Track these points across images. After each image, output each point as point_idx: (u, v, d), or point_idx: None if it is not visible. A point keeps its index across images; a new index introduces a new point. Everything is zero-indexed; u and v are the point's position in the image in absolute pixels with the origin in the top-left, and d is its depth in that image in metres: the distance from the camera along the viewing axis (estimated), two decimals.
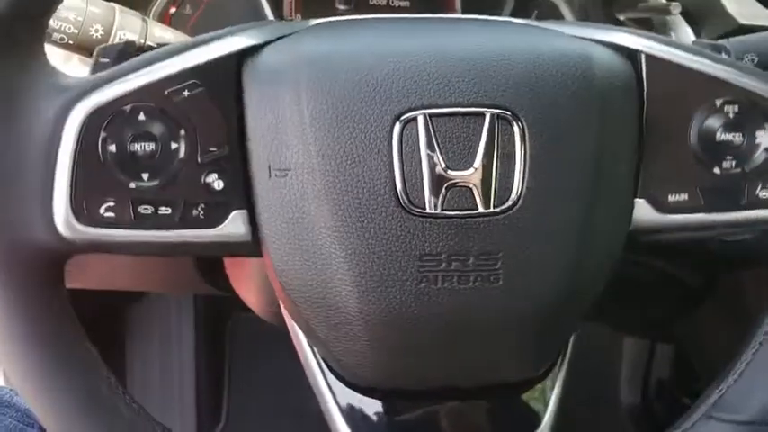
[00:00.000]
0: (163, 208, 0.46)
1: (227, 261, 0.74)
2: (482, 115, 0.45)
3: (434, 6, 0.96)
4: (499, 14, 0.91)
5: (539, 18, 0.96)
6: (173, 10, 0.90)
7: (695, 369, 1.04)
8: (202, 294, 1.34)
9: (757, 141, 0.50)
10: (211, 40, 0.48)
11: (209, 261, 0.79)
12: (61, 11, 0.58)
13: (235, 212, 0.47)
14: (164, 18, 0.89)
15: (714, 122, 0.50)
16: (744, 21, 0.74)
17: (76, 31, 0.59)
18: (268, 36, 0.49)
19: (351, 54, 0.47)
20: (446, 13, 0.96)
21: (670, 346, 1.11)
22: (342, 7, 0.96)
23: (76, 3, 0.59)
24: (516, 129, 0.46)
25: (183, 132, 0.46)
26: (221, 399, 1.40)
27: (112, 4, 0.62)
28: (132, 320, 1.38)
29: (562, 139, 0.46)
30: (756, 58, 0.62)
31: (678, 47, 0.51)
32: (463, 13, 0.96)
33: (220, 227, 0.47)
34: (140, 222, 0.46)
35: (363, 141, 0.45)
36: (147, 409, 0.51)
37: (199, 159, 0.46)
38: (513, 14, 0.91)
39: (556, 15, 0.95)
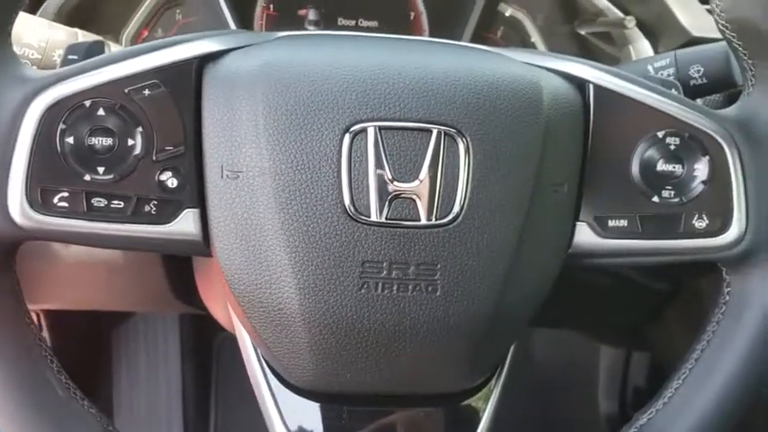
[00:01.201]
0: (116, 202, 0.47)
1: (197, 276, 0.75)
2: (429, 131, 0.47)
3: (402, 25, 0.99)
4: (463, 30, 0.93)
5: (504, 35, 1.00)
6: (145, 33, 0.92)
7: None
8: (188, 313, 1.35)
9: (695, 173, 0.52)
10: (176, 43, 0.50)
11: (181, 278, 0.80)
12: (24, 37, 0.60)
13: (186, 210, 0.49)
14: (135, 42, 0.91)
15: (655, 153, 0.52)
16: (696, 33, 0.76)
17: (40, 57, 0.61)
18: (232, 43, 0.51)
19: (307, 65, 0.49)
20: (413, 30, 0.99)
21: (646, 355, 1.12)
22: (311, 28, 0.98)
23: (39, 29, 0.61)
24: (461, 146, 0.47)
25: (140, 130, 0.48)
26: (208, 416, 1.40)
27: (75, 29, 0.64)
28: (119, 340, 1.38)
29: (505, 159, 0.48)
30: (702, 69, 0.64)
31: (627, 79, 0.53)
32: (430, 30, 0.98)
33: (171, 224, 0.48)
34: (93, 214, 0.47)
35: (314, 149, 0.46)
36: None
37: (154, 157, 0.48)
38: (477, 30, 0.93)
39: (520, 31, 0.97)
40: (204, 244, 0.49)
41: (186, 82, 0.48)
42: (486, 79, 0.49)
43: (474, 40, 0.94)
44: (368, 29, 0.99)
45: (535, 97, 0.50)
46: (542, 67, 0.53)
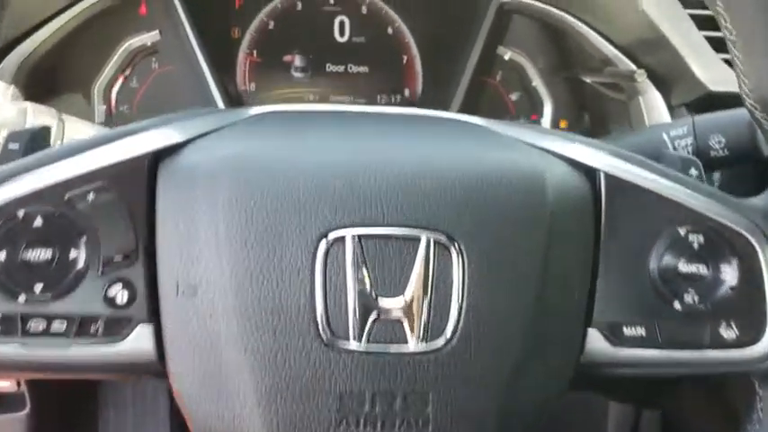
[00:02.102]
0: (57, 322, 0.42)
1: None
2: (417, 239, 0.41)
3: (394, 70, 0.93)
4: (461, 75, 0.87)
5: (503, 79, 0.93)
6: (119, 83, 0.86)
7: None
8: None
9: (722, 276, 0.46)
10: (127, 134, 0.43)
11: None
12: None
13: (140, 327, 0.42)
14: (108, 95, 0.85)
15: (677, 252, 0.45)
16: (713, 87, 0.70)
17: None
18: (191, 132, 0.45)
19: (275, 160, 0.42)
20: (406, 75, 0.93)
21: (657, 413, 1.06)
22: (297, 74, 0.92)
23: None
24: (454, 254, 0.41)
25: (84, 239, 0.42)
26: None
27: (26, 105, 0.58)
28: (107, 400, 1.33)
29: (505, 266, 0.42)
30: (724, 140, 0.57)
31: (642, 165, 0.46)
32: (424, 75, 0.92)
33: (122, 343, 0.42)
34: (29, 339, 0.41)
35: (283, 262, 0.40)
36: None
37: (101, 270, 0.42)
38: (475, 75, 0.87)
39: (521, 75, 0.91)
40: (159, 364, 0.43)
41: (137, 182, 0.42)
42: (481, 171, 0.43)
43: (472, 85, 0.87)
44: (357, 75, 0.93)
45: (538, 190, 0.43)
46: (544, 150, 0.47)
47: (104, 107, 0.85)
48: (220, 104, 0.81)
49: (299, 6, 0.91)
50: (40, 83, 0.79)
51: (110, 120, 0.85)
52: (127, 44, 0.85)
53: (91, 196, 0.42)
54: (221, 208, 0.41)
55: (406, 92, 0.94)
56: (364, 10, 0.93)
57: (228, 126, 0.47)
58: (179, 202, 0.42)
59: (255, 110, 0.50)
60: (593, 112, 0.88)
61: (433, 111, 0.54)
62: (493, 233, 0.42)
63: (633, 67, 0.76)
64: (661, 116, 0.75)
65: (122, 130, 0.44)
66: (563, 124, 0.92)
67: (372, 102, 0.93)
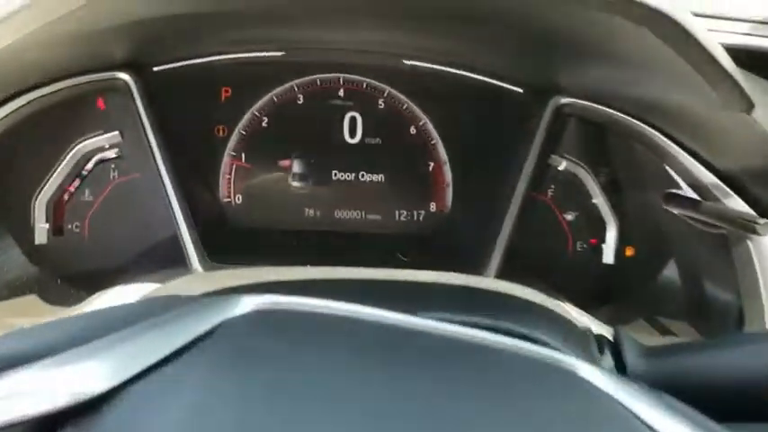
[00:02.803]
0: None
1: None
2: None
3: (416, 179, 0.74)
4: (504, 189, 0.68)
5: (557, 194, 0.74)
6: (69, 195, 0.67)
7: None
8: None
9: None
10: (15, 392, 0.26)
11: None
12: None
13: None
14: (55, 210, 0.67)
15: None
16: None
17: None
18: (114, 374, 0.27)
19: None
20: (434, 184, 0.73)
21: None
22: (296, 184, 0.73)
23: None
24: None
25: None
26: None
27: None
28: None
29: None
30: None
31: None
32: (455, 187, 0.73)
33: None
34: None
35: None
36: None
37: None
38: (528, 190, 0.67)
39: (578, 191, 0.71)
40: None
41: None
42: None
43: (522, 203, 0.67)
44: (371, 184, 0.74)
45: None
46: None
47: (47, 226, 0.67)
48: (184, 231, 0.62)
49: (301, 100, 0.73)
50: None
51: (53, 242, 0.66)
52: (80, 146, 0.67)
53: None
54: None
55: (432, 206, 0.75)
56: (381, 105, 0.75)
57: (177, 357, 0.29)
58: None
59: (227, 317, 0.32)
60: (676, 248, 0.67)
61: (504, 333, 0.35)
62: None
63: (739, 201, 0.56)
64: None
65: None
66: (629, 252, 0.72)
67: (390, 218, 0.74)
